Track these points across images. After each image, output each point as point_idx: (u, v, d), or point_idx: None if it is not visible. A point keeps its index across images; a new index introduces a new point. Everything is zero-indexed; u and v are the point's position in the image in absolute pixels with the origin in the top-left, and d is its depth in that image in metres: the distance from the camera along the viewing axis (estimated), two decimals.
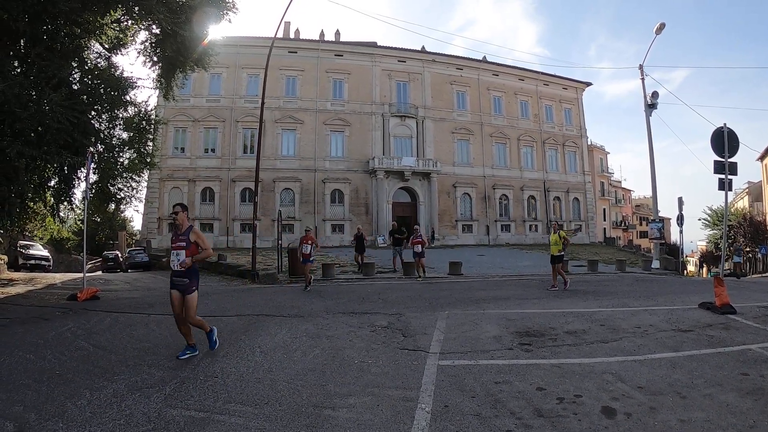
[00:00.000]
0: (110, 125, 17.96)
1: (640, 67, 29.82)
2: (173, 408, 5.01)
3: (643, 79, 29.68)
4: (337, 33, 55.95)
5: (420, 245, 19.79)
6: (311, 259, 16.71)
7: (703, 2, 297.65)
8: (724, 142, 12.11)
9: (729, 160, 12.13)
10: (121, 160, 18.43)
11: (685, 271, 37.62)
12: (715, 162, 12.27)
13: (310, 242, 16.59)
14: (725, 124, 12.22)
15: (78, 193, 18.61)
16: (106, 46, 18.23)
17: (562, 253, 15.97)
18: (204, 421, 4.68)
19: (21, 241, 33.07)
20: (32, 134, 14.20)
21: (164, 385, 5.73)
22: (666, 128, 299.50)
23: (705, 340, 7.95)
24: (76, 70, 16.81)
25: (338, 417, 4.78)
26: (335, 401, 5.21)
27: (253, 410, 4.96)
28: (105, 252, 45.32)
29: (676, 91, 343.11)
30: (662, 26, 26.99)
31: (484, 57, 57.81)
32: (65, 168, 16.55)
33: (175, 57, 17.47)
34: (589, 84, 62.88)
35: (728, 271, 52.56)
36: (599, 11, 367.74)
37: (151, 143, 19.71)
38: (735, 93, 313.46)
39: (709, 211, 64.28)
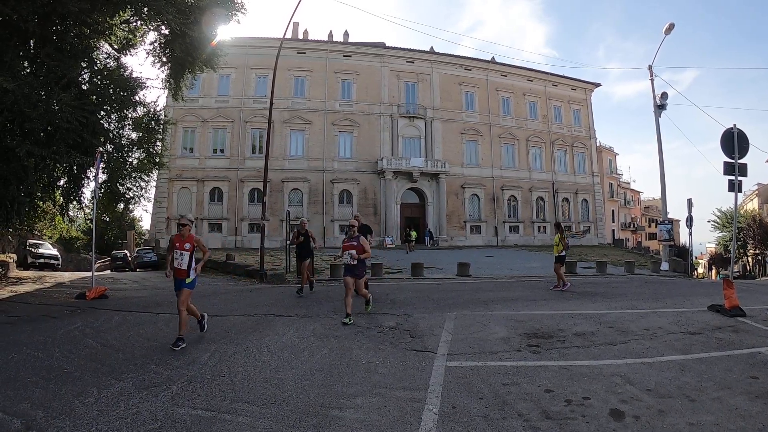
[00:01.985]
0: (119, 125, 18.04)
1: (650, 67, 29.72)
2: (180, 407, 5.02)
3: (652, 80, 29.58)
4: (346, 34, 56.03)
5: (355, 254, 10.32)
6: (189, 280, 8.13)
7: (712, 2, 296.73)
8: (734, 143, 12.05)
9: (739, 161, 12.08)
10: (130, 160, 18.50)
11: (695, 273, 37.48)
12: (725, 163, 12.22)
13: (188, 246, 8.13)
14: (735, 125, 12.17)
15: (87, 192, 18.71)
16: (116, 46, 18.31)
17: (563, 253, 16.16)
18: (211, 420, 4.69)
19: (30, 240, 33.18)
20: (42, 134, 14.27)
21: (171, 384, 5.75)
22: (675, 129, 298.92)
23: (714, 342, 7.91)
24: (86, 71, 16.87)
25: (345, 417, 4.77)
26: (342, 401, 5.21)
27: (260, 410, 4.96)
28: (114, 251, 45.52)
29: (686, 92, 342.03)
30: (671, 26, 26.88)
31: (493, 58, 57.76)
32: (74, 167, 16.61)
33: (184, 57, 17.51)
34: (597, 85, 62.70)
35: (737, 274, 52.64)
36: (607, 12, 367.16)
37: (160, 143, 19.77)
38: (745, 94, 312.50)
39: (718, 213, 64.18)
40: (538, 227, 55.83)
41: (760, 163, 58.31)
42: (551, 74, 59.51)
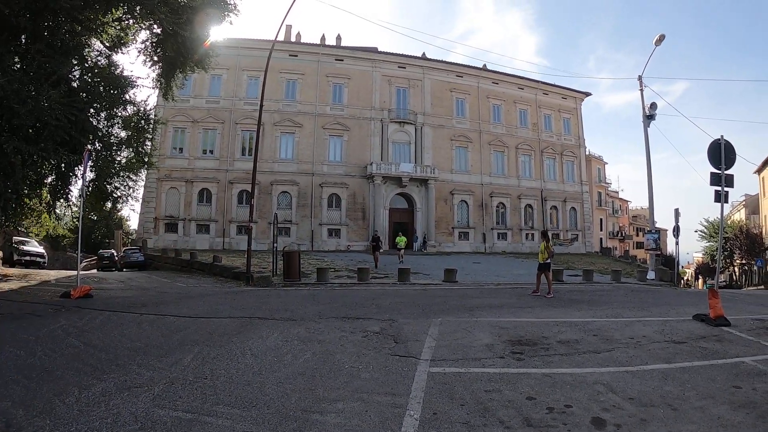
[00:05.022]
0: (109, 124, 17.94)
1: (639, 78, 29.92)
2: (161, 408, 4.99)
3: (642, 90, 29.77)
4: (338, 38, 56.14)
5: None
6: None
7: (703, 17, 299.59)
8: (721, 154, 12.12)
9: (726, 172, 12.15)
10: (119, 158, 18.40)
11: (681, 283, 37.68)
12: (712, 174, 12.27)
13: None
14: (722, 136, 12.24)
15: (75, 190, 18.59)
16: (107, 44, 18.22)
17: (549, 261, 16.48)
18: (191, 422, 4.66)
19: (16, 237, 32.98)
20: (30, 130, 14.18)
21: (153, 385, 5.71)
22: (664, 140, 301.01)
23: (698, 352, 7.93)
24: (76, 68, 16.78)
25: (326, 422, 4.76)
26: (324, 406, 5.19)
27: (241, 412, 4.95)
28: (101, 250, 45.34)
29: (675, 103, 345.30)
30: (662, 38, 27.10)
31: (485, 65, 58.06)
32: (62, 165, 16.51)
33: (175, 57, 17.46)
34: (588, 94, 63.12)
35: (723, 283, 53.07)
36: (599, 23, 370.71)
37: (149, 143, 19.69)
38: (733, 106, 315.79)
39: (705, 223, 64.79)
40: (527, 234, 56.10)
41: (748, 174, 58.90)
42: (542, 83, 59.95)
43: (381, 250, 31.28)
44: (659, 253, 33.59)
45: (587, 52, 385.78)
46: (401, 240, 36.21)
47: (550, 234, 17.58)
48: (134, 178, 19.17)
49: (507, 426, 4.75)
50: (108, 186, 18.17)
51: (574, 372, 6.67)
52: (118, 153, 18.33)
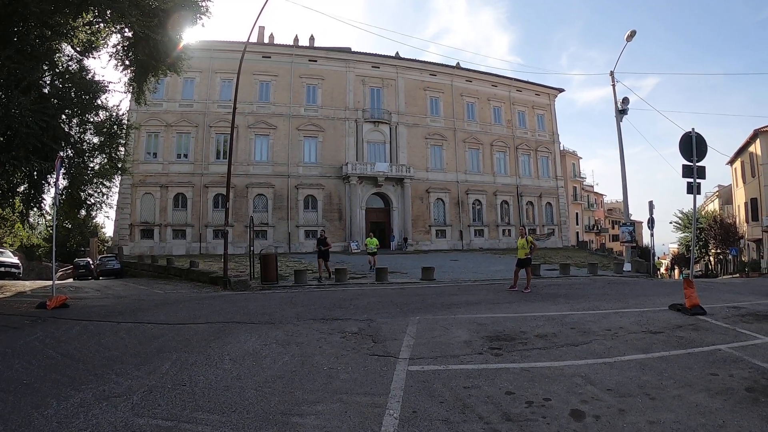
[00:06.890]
0: (81, 130, 17.71)
1: (611, 73, 30.24)
2: (140, 417, 4.97)
3: (614, 85, 30.10)
4: (312, 38, 55.91)
5: None
6: None
7: (671, 18, 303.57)
8: (693, 146, 12.28)
9: (697, 164, 12.31)
10: (92, 165, 18.18)
11: (657, 274, 38.08)
12: (684, 166, 12.43)
13: None
14: (693, 128, 12.41)
15: (48, 198, 18.35)
16: (78, 48, 18.00)
17: (530, 256, 16.54)
18: (171, 429, 4.65)
19: None
20: (1, 138, 14.00)
21: (132, 393, 5.68)
22: (637, 134, 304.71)
23: (675, 341, 8.04)
24: (47, 73, 16.56)
25: (306, 424, 4.77)
26: (303, 408, 5.20)
27: (221, 418, 4.93)
28: (76, 259, 44.76)
29: (647, 97, 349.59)
30: (633, 33, 27.38)
31: (458, 63, 58.22)
32: (34, 173, 16.30)
33: (147, 61, 17.29)
34: (561, 90, 63.61)
35: (699, 273, 53.76)
36: (571, 22, 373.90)
37: (122, 148, 19.48)
38: (703, 102, 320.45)
39: (680, 215, 65.63)
40: (503, 230, 56.39)
41: (721, 165, 59.88)
42: (515, 80, 60.32)
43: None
44: (635, 245, 34.01)
45: (560, 49, 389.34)
46: (372, 242, 28.41)
47: (527, 229, 17.66)
48: (108, 184, 18.96)
49: (486, 421, 4.79)
50: (82, 193, 17.96)
51: (552, 365, 6.73)
52: (91, 159, 18.11)
